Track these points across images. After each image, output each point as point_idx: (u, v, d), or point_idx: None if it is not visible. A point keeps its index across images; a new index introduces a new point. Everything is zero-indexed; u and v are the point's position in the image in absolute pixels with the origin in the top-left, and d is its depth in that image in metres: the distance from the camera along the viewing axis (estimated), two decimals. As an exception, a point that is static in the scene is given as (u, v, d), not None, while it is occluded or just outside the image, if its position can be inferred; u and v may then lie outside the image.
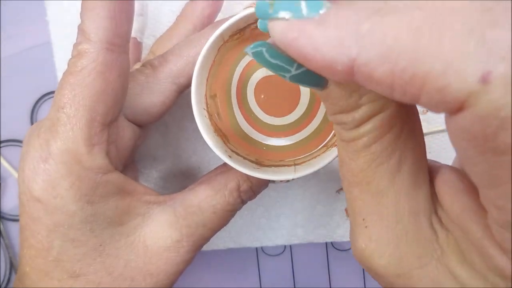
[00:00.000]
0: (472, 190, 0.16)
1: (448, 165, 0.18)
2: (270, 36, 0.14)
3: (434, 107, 0.11)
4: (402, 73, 0.11)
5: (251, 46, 0.15)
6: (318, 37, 0.12)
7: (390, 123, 0.15)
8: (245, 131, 0.26)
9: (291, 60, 0.14)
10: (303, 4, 0.13)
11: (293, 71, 0.15)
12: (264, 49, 0.14)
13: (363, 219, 0.16)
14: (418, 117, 0.17)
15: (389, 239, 0.16)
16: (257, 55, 0.15)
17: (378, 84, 0.12)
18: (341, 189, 0.35)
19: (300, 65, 0.14)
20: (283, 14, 0.13)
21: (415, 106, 0.16)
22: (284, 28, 0.13)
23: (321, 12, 0.12)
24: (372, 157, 0.15)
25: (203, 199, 0.25)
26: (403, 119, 0.15)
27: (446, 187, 0.16)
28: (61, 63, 0.35)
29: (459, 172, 0.17)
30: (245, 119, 0.26)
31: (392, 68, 0.11)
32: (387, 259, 0.16)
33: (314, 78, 0.15)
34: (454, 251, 0.15)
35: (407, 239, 0.16)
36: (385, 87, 0.12)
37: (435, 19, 0.11)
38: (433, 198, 0.17)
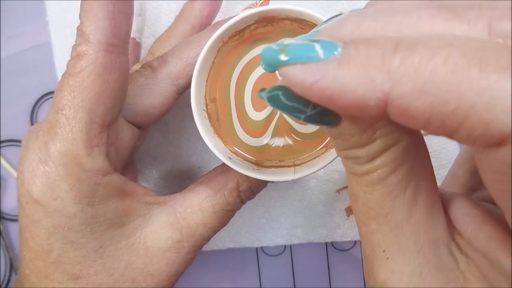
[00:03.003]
0: (494, 219, 0.16)
1: (459, 194, 0.18)
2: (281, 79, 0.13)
3: (471, 140, 0.11)
4: (443, 106, 0.11)
5: (267, 90, 0.14)
6: (344, 76, 0.12)
7: (404, 155, 0.15)
8: (245, 131, 0.26)
9: (307, 101, 0.14)
10: (317, 46, 0.12)
11: (309, 112, 0.14)
12: (280, 93, 0.14)
13: (384, 251, 0.16)
14: (427, 148, 0.17)
15: (412, 270, 0.16)
16: (273, 99, 0.14)
17: (414, 118, 0.11)
18: (341, 189, 0.35)
19: (316, 106, 0.14)
20: (297, 58, 0.12)
21: (423, 137, 0.16)
22: (302, 73, 0.12)
23: (336, 52, 0.12)
24: (388, 189, 0.15)
25: (203, 199, 0.25)
26: (415, 151, 0.15)
27: (466, 217, 0.16)
28: (61, 63, 0.36)
29: (474, 202, 0.17)
30: (244, 119, 0.26)
31: (432, 101, 0.11)
32: None
33: (329, 117, 0.14)
34: (478, 278, 0.15)
35: (429, 269, 0.16)
36: (420, 121, 0.11)
37: (474, 54, 0.11)
38: (449, 226, 0.16)
